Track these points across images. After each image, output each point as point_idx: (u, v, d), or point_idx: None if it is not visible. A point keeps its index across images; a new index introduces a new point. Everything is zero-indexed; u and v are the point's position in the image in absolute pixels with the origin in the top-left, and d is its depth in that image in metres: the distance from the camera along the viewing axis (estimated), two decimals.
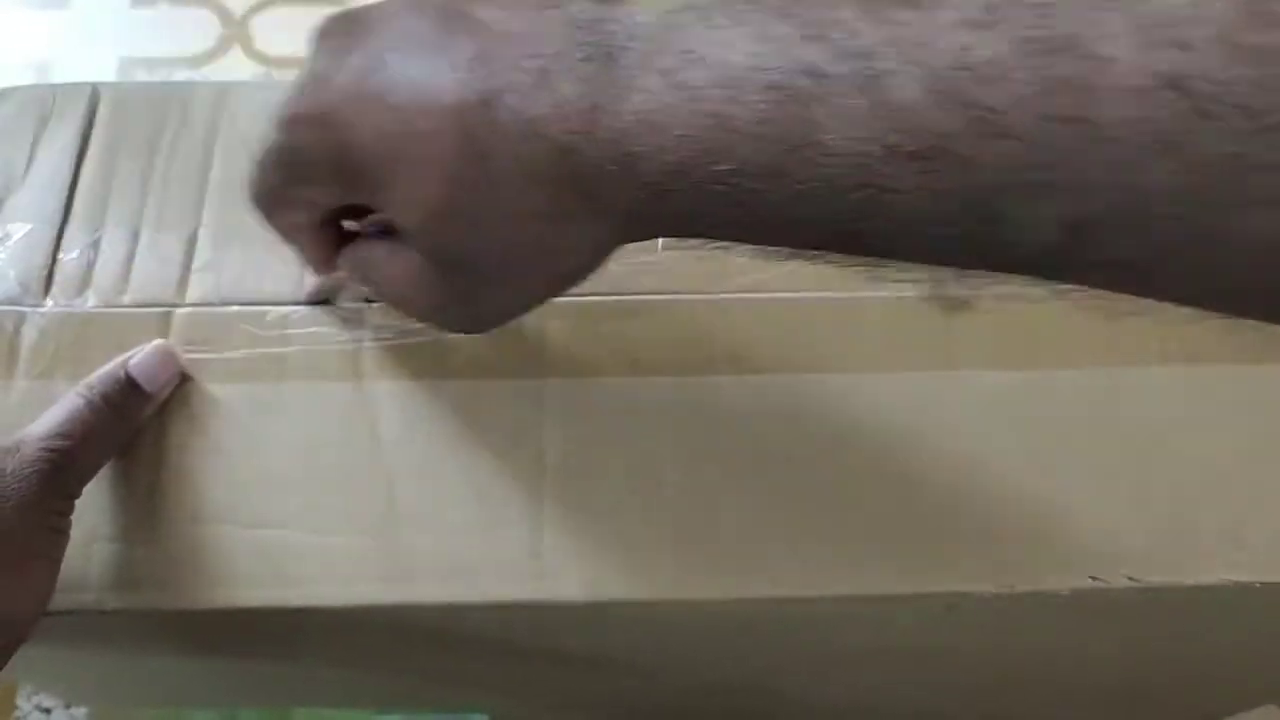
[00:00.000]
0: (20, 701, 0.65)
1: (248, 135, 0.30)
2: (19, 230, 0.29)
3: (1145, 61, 0.14)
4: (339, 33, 0.21)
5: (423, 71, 0.19)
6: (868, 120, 0.16)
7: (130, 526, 0.25)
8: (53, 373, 0.27)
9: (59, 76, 0.88)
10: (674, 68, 0.17)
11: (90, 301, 0.28)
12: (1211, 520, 0.26)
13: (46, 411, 0.25)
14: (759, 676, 0.37)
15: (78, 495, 0.24)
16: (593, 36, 0.18)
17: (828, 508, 0.26)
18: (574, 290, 0.28)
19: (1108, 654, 0.35)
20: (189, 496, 0.26)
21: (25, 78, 0.88)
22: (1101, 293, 0.18)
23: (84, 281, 0.28)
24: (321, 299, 0.28)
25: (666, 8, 0.18)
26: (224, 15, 0.91)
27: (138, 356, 0.26)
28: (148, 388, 0.26)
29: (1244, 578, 0.25)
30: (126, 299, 0.28)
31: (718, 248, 0.20)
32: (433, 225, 0.20)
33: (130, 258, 0.29)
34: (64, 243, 0.29)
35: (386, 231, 0.22)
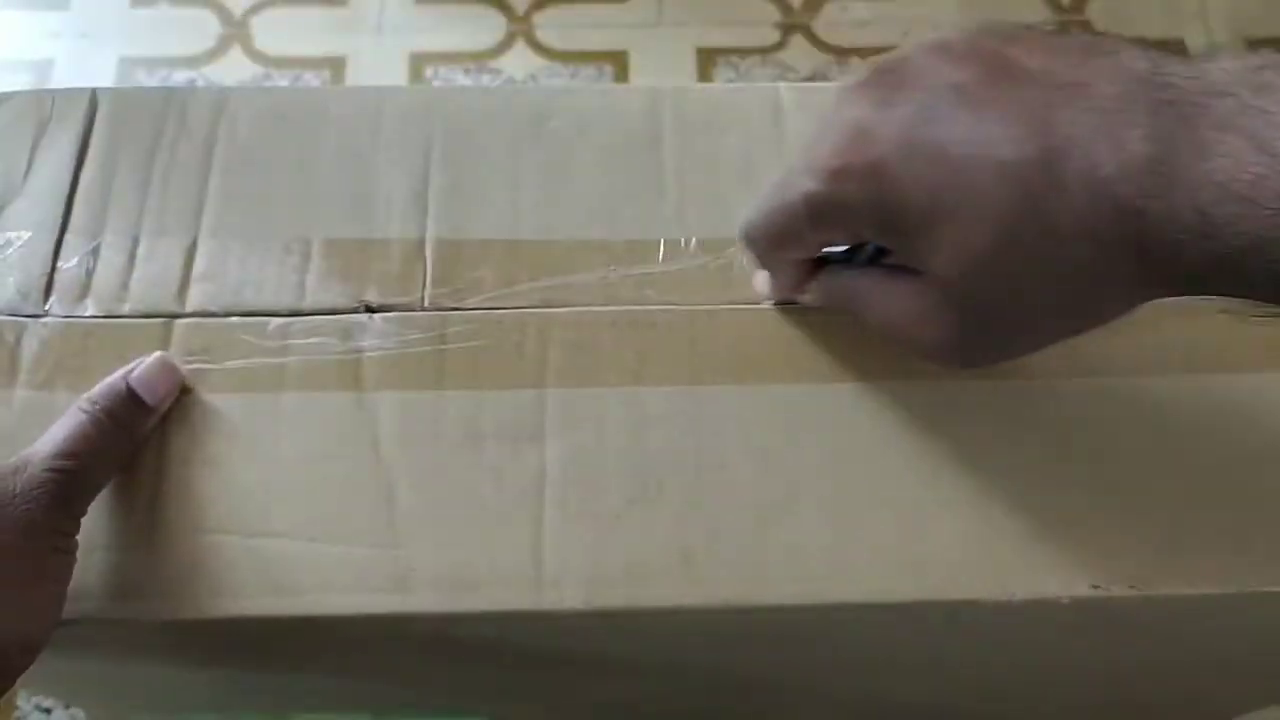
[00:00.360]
0: (20, 701, 0.65)
1: (247, 142, 0.31)
2: (18, 238, 0.29)
3: None
4: (879, 84, 0.21)
5: (976, 125, 0.19)
6: None
7: (131, 536, 0.25)
8: (54, 383, 0.27)
9: (59, 76, 0.88)
10: (1263, 132, 0.16)
11: (90, 309, 0.28)
12: (1213, 528, 0.26)
13: (50, 429, 0.24)
14: (758, 684, 0.37)
15: (84, 514, 0.24)
16: (1159, 91, 0.17)
17: (828, 517, 0.26)
18: (576, 302, 0.28)
19: (1109, 660, 0.35)
20: (189, 506, 0.26)
21: (25, 77, 0.88)
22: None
23: (83, 290, 0.28)
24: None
25: (1244, 64, 0.17)
26: (224, 15, 0.91)
27: (138, 369, 0.26)
28: (149, 401, 0.26)
29: (1246, 587, 0.25)
30: (126, 307, 0.28)
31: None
32: (972, 275, 0.20)
33: (130, 265, 0.29)
34: (63, 250, 0.29)
35: (872, 261, 0.23)
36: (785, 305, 0.28)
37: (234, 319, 0.28)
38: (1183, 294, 0.19)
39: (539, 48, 0.91)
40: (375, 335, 0.28)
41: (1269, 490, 0.26)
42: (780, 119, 0.31)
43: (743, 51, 0.91)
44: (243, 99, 0.31)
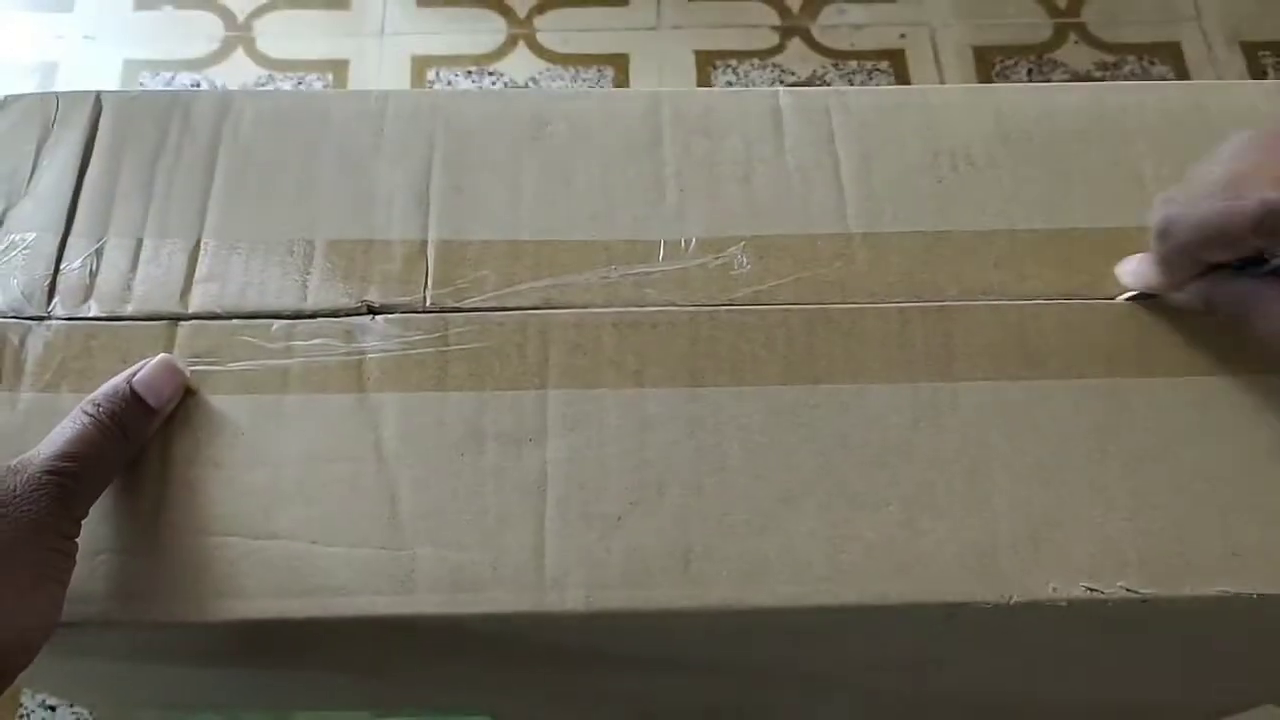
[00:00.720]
0: (25, 699, 0.65)
1: (250, 144, 0.31)
2: (23, 239, 0.29)
3: None
4: None
5: None
6: None
7: (135, 538, 0.25)
8: (58, 385, 0.27)
9: (63, 78, 0.88)
10: None
11: (93, 311, 0.28)
12: (1209, 531, 0.26)
13: (53, 431, 0.25)
14: (757, 685, 0.37)
15: (85, 516, 0.24)
16: None
17: (827, 518, 0.26)
18: (576, 302, 0.28)
19: (1106, 662, 0.35)
20: (193, 508, 0.26)
21: (30, 79, 0.88)
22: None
23: (87, 291, 0.28)
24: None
25: None
26: (227, 18, 0.92)
27: (142, 371, 0.26)
28: (153, 403, 0.26)
29: (1242, 589, 0.25)
30: (130, 309, 0.28)
31: None
32: None
33: (133, 267, 0.29)
34: (67, 252, 0.29)
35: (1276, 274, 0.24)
36: (785, 308, 0.28)
37: (237, 321, 0.28)
38: None
39: (540, 51, 0.91)
40: (377, 337, 0.28)
41: (1268, 491, 0.26)
42: (779, 122, 0.32)
43: (741, 54, 0.91)
44: (246, 101, 0.32)
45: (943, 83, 0.90)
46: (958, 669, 0.35)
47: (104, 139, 0.31)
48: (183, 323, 0.28)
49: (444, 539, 0.26)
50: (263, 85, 0.87)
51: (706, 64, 0.91)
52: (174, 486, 0.26)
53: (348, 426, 0.27)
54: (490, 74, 0.90)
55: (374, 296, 0.28)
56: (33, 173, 0.30)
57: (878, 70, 0.92)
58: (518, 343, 0.28)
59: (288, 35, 0.90)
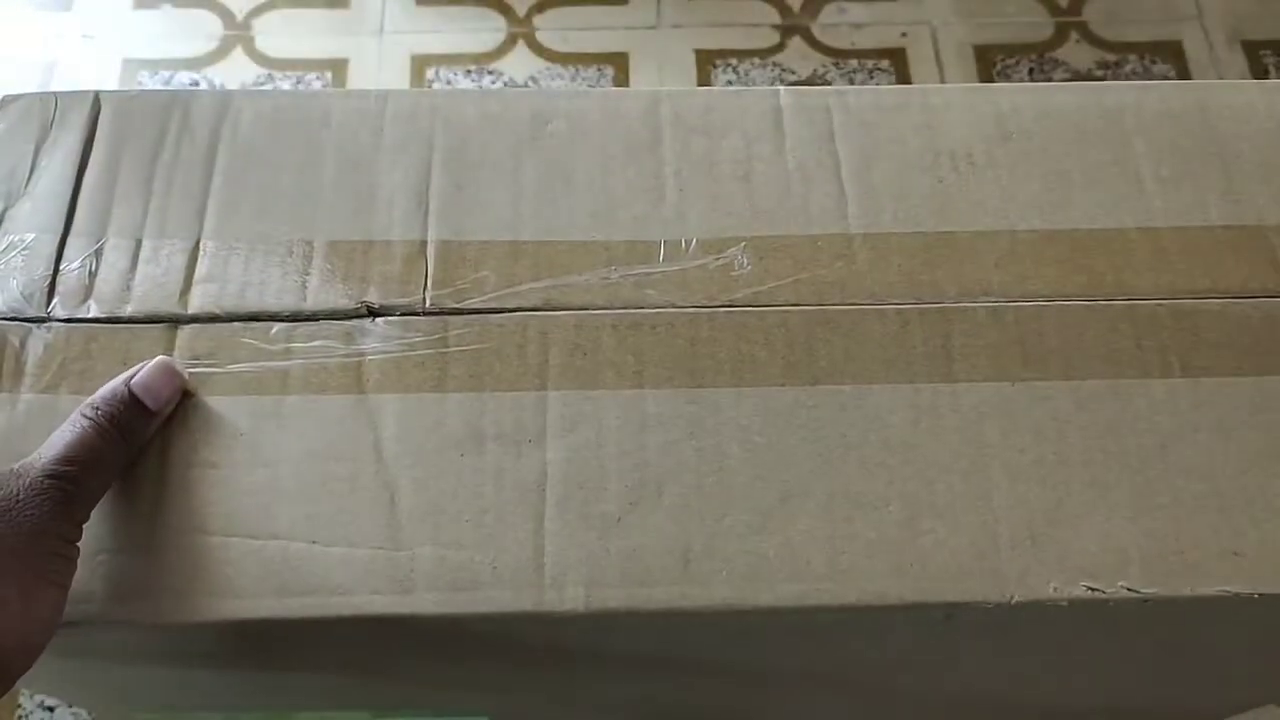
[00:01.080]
0: (24, 700, 0.65)
1: (250, 144, 0.31)
2: (22, 240, 0.29)
3: None
4: None
5: None
6: None
7: (134, 539, 0.25)
8: (58, 386, 0.27)
9: (61, 78, 0.88)
10: None
11: (93, 312, 0.28)
12: (1210, 531, 0.26)
13: (52, 435, 0.25)
14: (757, 684, 0.37)
15: (86, 520, 0.24)
16: None
17: (827, 518, 0.26)
18: (576, 303, 0.28)
19: (1106, 662, 0.35)
20: (193, 509, 0.26)
21: (29, 78, 0.88)
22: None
23: (86, 292, 0.28)
24: None
25: None
26: (226, 17, 0.92)
27: (141, 374, 0.26)
28: (152, 405, 0.26)
29: (1242, 589, 0.25)
30: (129, 310, 0.28)
31: None
32: None
33: (132, 268, 0.29)
34: (66, 252, 0.29)
35: None
36: (785, 309, 0.28)
37: (237, 323, 0.28)
38: None
39: (540, 50, 0.91)
40: (377, 338, 0.28)
41: (1269, 492, 0.26)
42: (779, 121, 0.32)
43: (741, 53, 0.91)
44: (245, 101, 0.32)
45: (943, 82, 0.89)
46: (958, 669, 0.35)
47: (103, 139, 0.31)
48: (182, 324, 0.28)
49: (443, 539, 0.25)
50: (262, 84, 0.87)
51: (707, 63, 0.91)
52: (173, 487, 0.26)
53: (347, 427, 0.27)
54: (490, 73, 0.90)
55: (373, 297, 0.28)
56: (31, 173, 0.30)
57: (878, 69, 0.92)
58: (518, 344, 0.28)
59: (287, 34, 0.90)
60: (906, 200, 0.30)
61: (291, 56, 0.89)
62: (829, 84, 0.87)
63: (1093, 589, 0.25)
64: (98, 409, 0.25)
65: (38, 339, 0.28)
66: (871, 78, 0.89)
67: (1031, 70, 0.90)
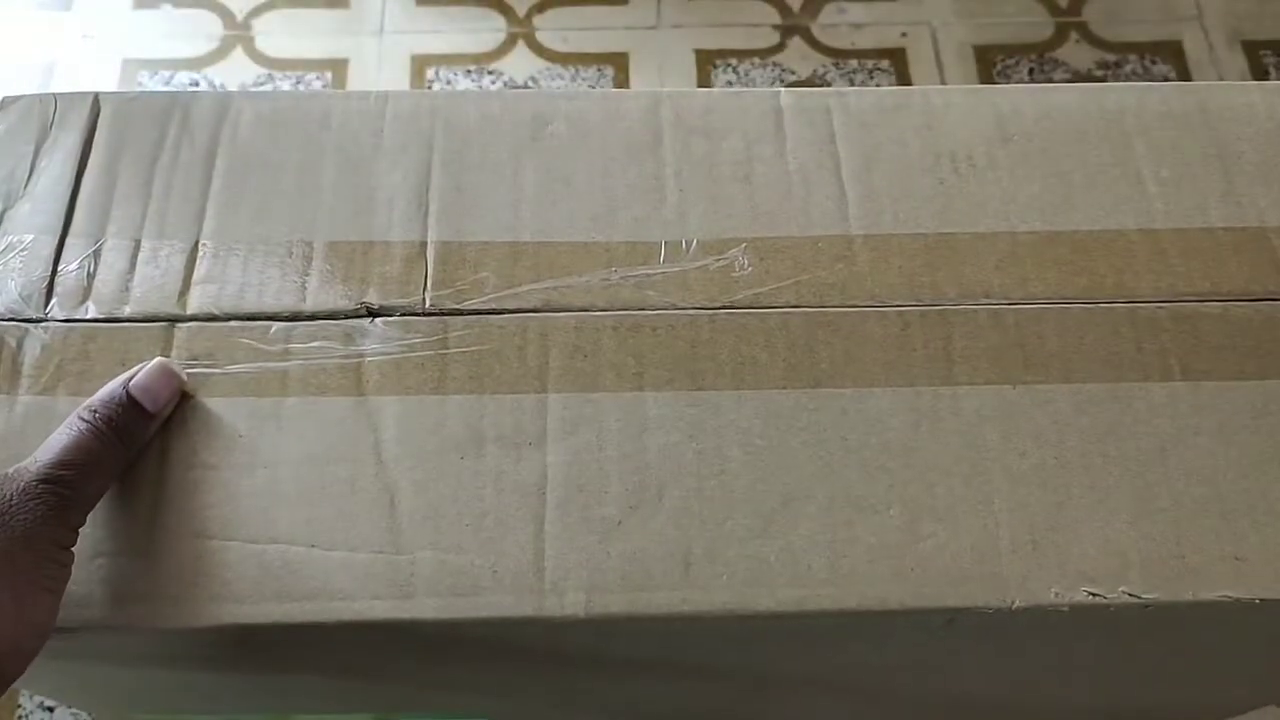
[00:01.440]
0: (23, 700, 0.65)
1: (249, 145, 0.31)
2: (20, 241, 0.29)
3: None
4: None
5: None
6: None
7: (133, 542, 0.25)
8: (55, 388, 0.27)
9: (62, 78, 0.88)
10: None
11: (91, 313, 0.28)
12: (1211, 536, 0.26)
13: (49, 438, 0.24)
14: (757, 689, 0.37)
15: (82, 524, 0.24)
16: None
17: (828, 522, 0.26)
18: (577, 304, 0.28)
19: (1107, 665, 0.35)
20: (191, 512, 0.26)
21: (29, 79, 0.88)
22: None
23: (84, 293, 0.28)
24: None
25: None
26: (226, 17, 0.91)
27: (138, 376, 0.26)
28: (150, 408, 0.26)
29: (1243, 594, 0.25)
30: (127, 310, 0.28)
31: None
32: None
33: (131, 268, 0.29)
34: (64, 253, 0.29)
35: None
36: (786, 310, 0.28)
37: (235, 323, 0.28)
38: None
39: (540, 50, 0.91)
40: (376, 340, 0.28)
41: (1270, 496, 0.26)
42: (780, 122, 0.31)
43: (741, 54, 0.91)
44: (244, 102, 0.31)
45: (943, 82, 0.89)
46: (959, 673, 0.35)
47: (102, 140, 0.31)
48: (180, 324, 0.28)
49: (443, 542, 0.25)
50: (261, 84, 0.87)
51: (707, 63, 0.91)
52: (172, 490, 0.26)
53: (347, 429, 0.27)
54: (490, 73, 0.90)
55: (373, 298, 0.28)
56: (30, 174, 0.30)
57: (878, 69, 0.92)
58: (518, 345, 0.28)
59: (287, 34, 0.90)
60: (907, 202, 0.30)
61: (291, 56, 0.89)
62: (829, 84, 0.87)
63: (1093, 594, 0.25)
64: (95, 412, 0.25)
65: (35, 340, 0.28)
66: (871, 78, 0.89)
67: (1031, 70, 0.90)
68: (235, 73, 0.88)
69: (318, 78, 0.88)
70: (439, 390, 0.27)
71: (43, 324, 0.28)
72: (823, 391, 0.27)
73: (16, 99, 0.32)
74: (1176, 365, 0.28)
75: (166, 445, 0.26)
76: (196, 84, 0.87)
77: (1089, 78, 0.89)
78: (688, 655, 0.32)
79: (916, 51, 0.91)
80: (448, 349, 0.28)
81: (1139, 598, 0.25)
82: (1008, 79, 0.89)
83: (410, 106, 0.32)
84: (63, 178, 0.30)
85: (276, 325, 0.28)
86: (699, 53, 0.91)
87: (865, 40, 0.92)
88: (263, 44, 0.90)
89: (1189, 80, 0.89)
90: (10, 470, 0.23)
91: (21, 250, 0.29)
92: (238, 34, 0.90)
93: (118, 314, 0.28)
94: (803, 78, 0.89)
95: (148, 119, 0.31)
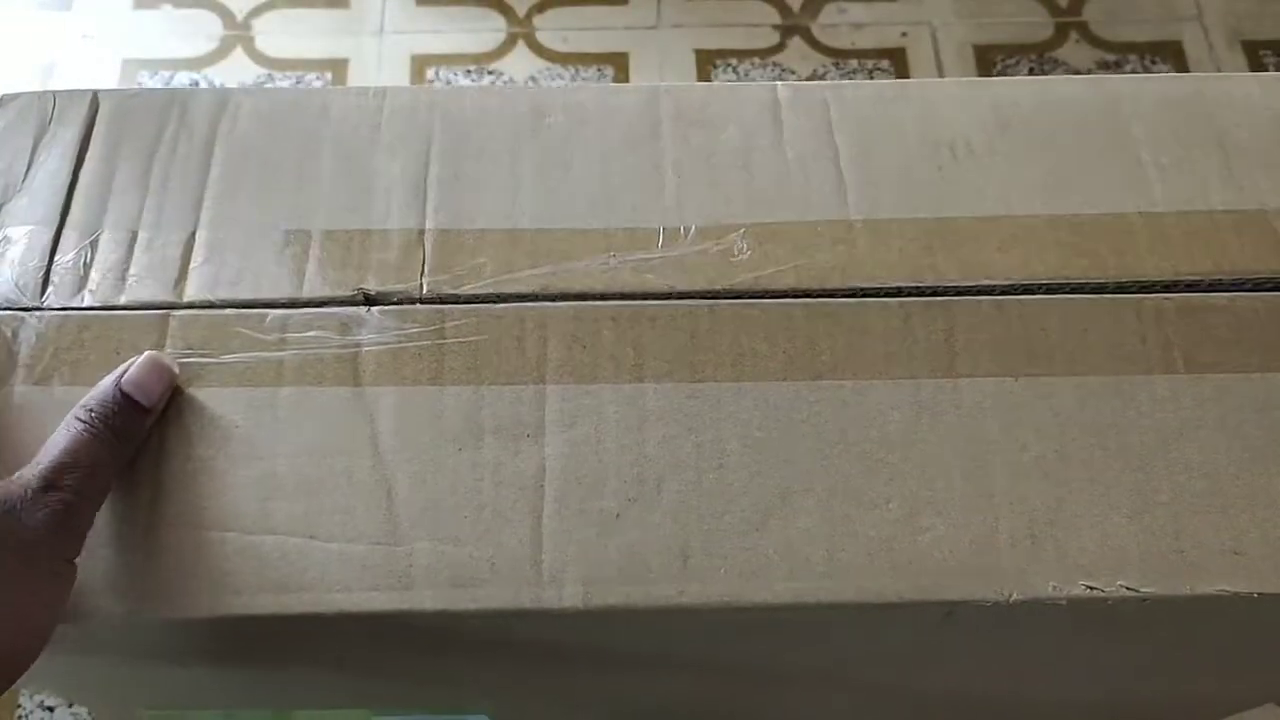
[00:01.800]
0: (23, 700, 0.65)
1: (248, 137, 0.31)
2: (17, 233, 0.29)
3: None
4: None
5: None
6: None
7: (130, 535, 0.25)
8: (51, 378, 0.27)
9: (62, 78, 0.88)
10: None
11: (86, 301, 0.28)
12: (1210, 530, 0.26)
13: (48, 441, 0.24)
14: (755, 682, 0.37)
15: (89, 528, 0.24)
16: None
17: (827, 515, 0.26)
18: (575, 289, 0.28)
19: (1105, 660, 0.34)
20: (188, 504, 0.26)
21: (29, 79, 0.88)
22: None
23: (80, 282, 0.28)
24: None
25: None
26: (226, 17, 0.92)
27: (130, 372, 0.26)
28: (144, 403, 0.26)
29: (1242, 588, 0.25)
30: (123, 299, 0.28)
31: None
32: None
33: (127, 258, 0.29)
34: (61, 244, 0.29)
35: None
36: (787, 300, 0.28)
37: (231, 311, 0.28)
38: None
39: (540, 50, 0.91)
40: (373, 329, 0.28)
41: (1269, 490, 0.26)
42: (777, 114, 0.31)
43: (741, 53, 0.91)
44: (243, 98, 0.32)
45: None
46: (957, 667, 0.35)
47: (100, 135, 0.31)
48: (176, 312, 0.28)
49: (441, 534, 0.25)
50: (262, 84, 0.87)
51: (707, 63, 0.91)
52: (168, 482, 0.26)
53: (343, 420, 0.26)
54: (490, 73, 0.90)
55: (370, 284, 0.28)
56: (29, 169, 0.30)
57: (879, 69, 0.92)
58: (516, 336, 0.28)
59: (287, 34, 0.90)
60: (906, 187, 0.30)
61: (291, 56, 0.89)
62: (828, 80, 0.87)
63: (1092, 588, 0.25)
64: (91, 411, 0.25)
65: (30, 329, 0.28)
66: (871, 78, 0.89)
67: (1031, 70, 0.90)
68: (235, 73, 0.88)
69: (318, 78, 0.88)
70: (436, 381, 0.27)
71: (38, 313, 0.28)
72: (823, 384, 0.27)
73: (16, 96, 0.32)
74: (1180, 358, 0.28)
75: (163, 438, 0.26)
76: (196, 84, 0.87)
77: None
78: (685, 649, 0.31)
79: (916, 51, 0.91)
80: (445, 339, 0.28)
81: (1137, 591, 0.25)
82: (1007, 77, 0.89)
83: (409, 100, 0.32)
84: (60, 171, 0.30)
85: (273, 314, 0.28)
86: (699, 53, 0.91)
87: (865, 40, 0.92)
88: (263, 44, 0.90)
89: None
90: (13, 476, 0.23)
91: (18, 242, 0.29)
92: (238, 34, 0.90)
93: (113, 302, 0.28)
94: (803, 78, 0.90)
95: (146, 114, 0.31)
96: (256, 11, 0.91)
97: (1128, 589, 0.25)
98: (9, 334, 0.28)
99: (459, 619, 0.25)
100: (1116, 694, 0.41)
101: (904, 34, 0.92)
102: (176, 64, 0.89)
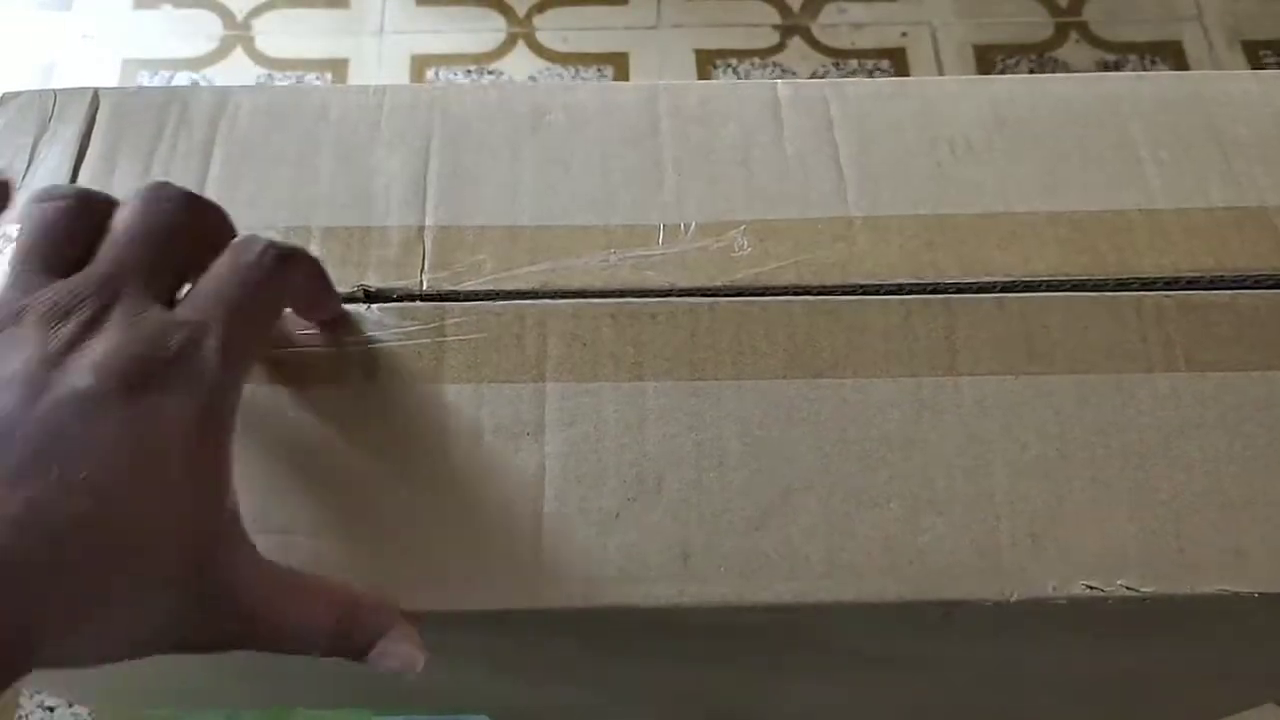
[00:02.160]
0: (23, 700, 0.65)
1: (248, 135, 0.31)
2: (15, 230, 0.29)
3: None
4: None
5: None
6: None
7: None
8: None
9: (61, 78, 0.88)
10: None
11: None
12: (1211, 529, 0.25)
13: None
14: (757, 681, 0.37)
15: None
16: None
17: (826, 515, 0.26)
18: (575, 285, 0.28)
19: (1106, 660, 0.34)
20: None
21: (29, 79, 0.88)
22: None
23: None
24: None
25: None
26: (226, 17, 0.92)
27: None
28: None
29: (1243, 588, 0.25)
30: None
31: None
32: None
33: None
34: None
35: None
36: (787, 298, 0.28)
37: None
38: None
39: (540, 50, 0.91)
40: (373, 327, 0.28)
41: (1271, 490, 0.26)
42: (776, 111, 0.31)
43: (742, 53, 0.91)
44: (243, 97, 0.32)
45: None
46: (957, 667, 0.35)
47: (100, 133, 0.31)
48: None
49: (438, 534, 0.25)
50: (261, 84, 0.87)
51: (707, 63, 0.91)
52: None
53: (341, 419, 0.26)
54: (490, 73, 0.90)
55: (370, 281, 0.28)
56: (29, 166, 0.30)
57: (878, 69, 0.92)
58: (515, 333, 0.28)
59: (287, 34, 0.90)
60: (906, 184, 0.30)
61: (291, 56, 0.89)
62: (827, 79, 0.87)
63: (1092, 588, 0.25)
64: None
65: None
66: (871, 78, 0.90)
67: (1031, 70, 0.90)
68: (235, 73, 0.88)
69: (318, 78, 0.88)
70: (435, 379, 0.27)
71: None
72: (823, 382, 0.27)
73: (16, 94, 0.32)
74: (1181, 356, 0.28)
75: None
76: (196, 84, 0.87)
77: None
78: (685, 649, 0.31)
79: (916, 51, 0.91)
80: (445, 336, 0.28)
81: (1137, 591, 0.25)
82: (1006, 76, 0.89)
83: (409, 99, 0.32)
84: (60, 169, 0.30)
85: None
86: (699, 53, 0.91)
87: (865, 40, 0.92)
88: (263, 44, 0.90)
89: None
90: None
91: (14, 240, 0.29)
92: (238, 34, 0.91)
93: None
94: (803, 78, 0.90)
95: (146, 113, 0.31)
96: (256, 11, 0.91)
97: (1128, 589, 0.25)
98: None
99: (456, 619, 0.25)
100: (1117, 693, 0.41)
101: (904, 34, 0.92)
102: (176, 64, 0.89)
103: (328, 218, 0.29)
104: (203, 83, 0.88)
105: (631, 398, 0.27)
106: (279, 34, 0.91)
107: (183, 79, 0.89)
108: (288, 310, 0.26)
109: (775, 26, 0.93)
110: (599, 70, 0.91)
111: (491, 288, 0.28)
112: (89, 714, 0.65)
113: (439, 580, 0.25)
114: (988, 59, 0.91)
